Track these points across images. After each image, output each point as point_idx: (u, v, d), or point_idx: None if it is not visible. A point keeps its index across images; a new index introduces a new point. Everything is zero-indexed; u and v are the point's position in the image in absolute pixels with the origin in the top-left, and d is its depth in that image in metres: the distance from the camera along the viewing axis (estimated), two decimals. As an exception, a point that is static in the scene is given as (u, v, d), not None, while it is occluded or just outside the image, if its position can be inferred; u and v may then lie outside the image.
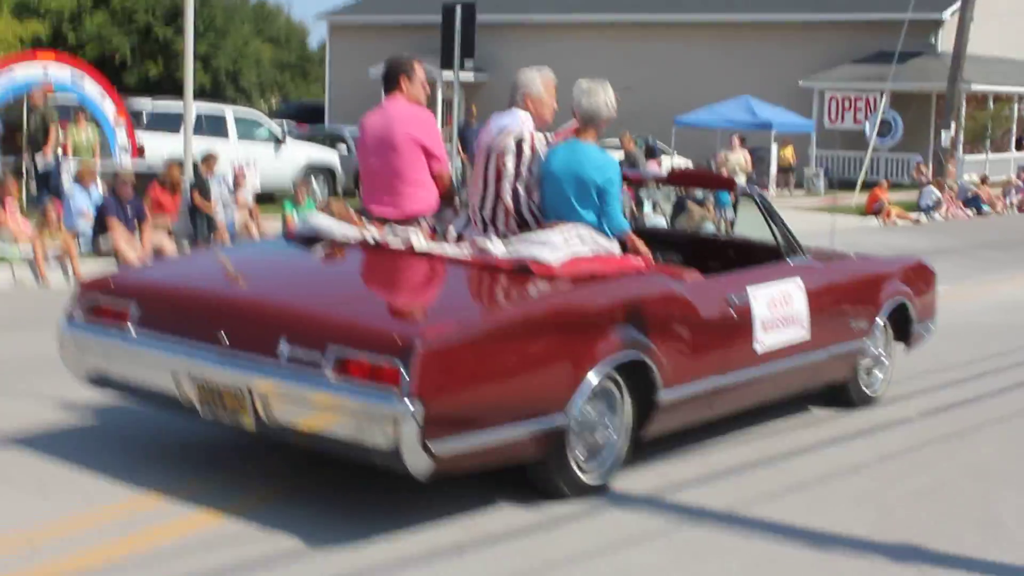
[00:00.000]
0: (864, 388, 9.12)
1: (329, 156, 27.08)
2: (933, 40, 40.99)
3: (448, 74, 46.12)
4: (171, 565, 5.53)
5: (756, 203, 8.50)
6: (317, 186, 25.43)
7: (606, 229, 7.14)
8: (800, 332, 8.02)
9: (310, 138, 29.85)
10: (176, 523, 6.06)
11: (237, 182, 18.53)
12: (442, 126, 47.89)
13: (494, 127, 7.34)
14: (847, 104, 40.55)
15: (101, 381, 6.84)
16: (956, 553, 6.20)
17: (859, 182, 29.81)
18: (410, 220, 7.44)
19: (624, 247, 7.22)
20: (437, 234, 7.41)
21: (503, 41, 46.14)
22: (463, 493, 6.58)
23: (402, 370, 5.50)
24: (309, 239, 7.43)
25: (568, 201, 7.12)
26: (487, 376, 5.84)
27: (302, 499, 6.46)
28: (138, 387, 6.61)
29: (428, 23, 48.87)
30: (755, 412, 8.29)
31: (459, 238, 7.26)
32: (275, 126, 27.18)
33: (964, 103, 37.29)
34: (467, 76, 39.35)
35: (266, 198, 22.89)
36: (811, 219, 24.51)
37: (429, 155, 7.50)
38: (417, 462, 5.59)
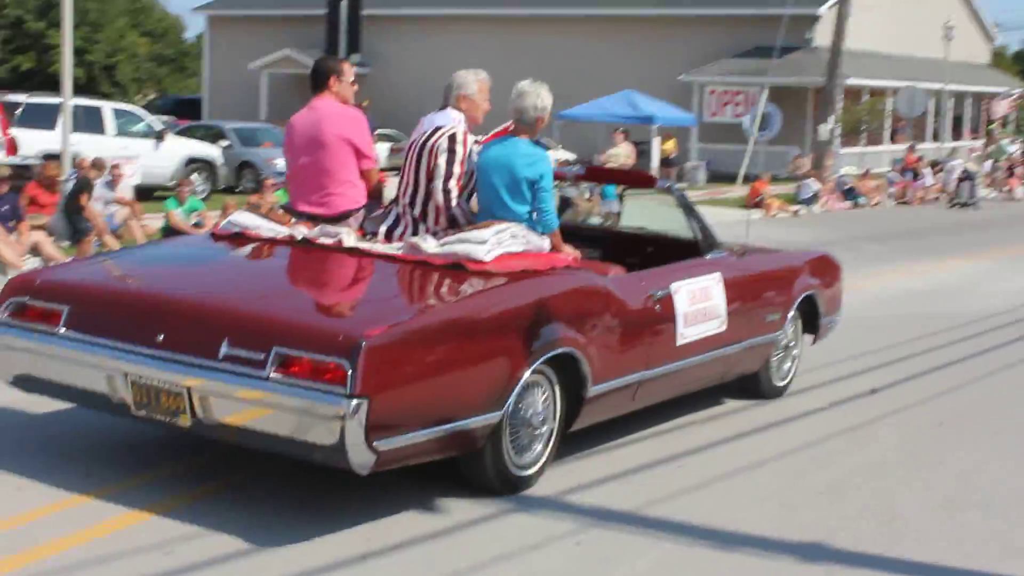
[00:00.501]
0: (775, 380, 9.30)
1: (210, 151, 26.62)
2: (809, 35, 41.62)
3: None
4: (101, 567, 5.47)
5: (675, 199, 8.60)
6: (200, 181, 24.94)
7: (537, 225, 7.18)
8: (718, 325, 8.17)
9: (190, 133, 29.30)
10: (104, 524, 5.99)
11: (115, 178, 18.07)
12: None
13: (427, 126, 7.37)
14: (727, 98, 41.01)
15: (27, 382, 6.75)
16: (861, 551, 6.20)
17: (740, 175, 30.10)
18: (340, 218, 7.44)
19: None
20: (366, 232, 7.40)
21: (386, 34, 45.85)
22: (367, 495, 6.44)
23: (348, 369, 5.57)
24: (236, 237, 7.38)
25: (500, 197, 7.14)
26: (428, 373, 5.91)
27: (229, 498, 6.44)
28: (67, 387, 6.55)
29: (308, 16, 48.45)
30: (658, 408, 8.23)
31: (388, 236, 7.29)
32: (154, 121, 26.62)
33: (841, 97, 37.82)
34: (348, 70, 39.02)
35: (146, 194, 22.42)
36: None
37: (359, 154, 7.55)
38: (360, 458, 5.67)
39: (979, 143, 48.18)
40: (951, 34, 41.18)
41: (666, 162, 35.55)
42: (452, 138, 7.25)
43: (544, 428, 6.81)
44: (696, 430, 8.34)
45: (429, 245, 6.87)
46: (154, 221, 17.92)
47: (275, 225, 7.36)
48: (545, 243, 7.17)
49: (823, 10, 41.23)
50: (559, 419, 6.90)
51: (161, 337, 6.11)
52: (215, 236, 7.58)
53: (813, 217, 28.58)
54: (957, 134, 51.60)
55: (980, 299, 15.36)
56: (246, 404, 5.85)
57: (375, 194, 7.65)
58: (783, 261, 9.49)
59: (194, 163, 25.60)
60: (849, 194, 32.04)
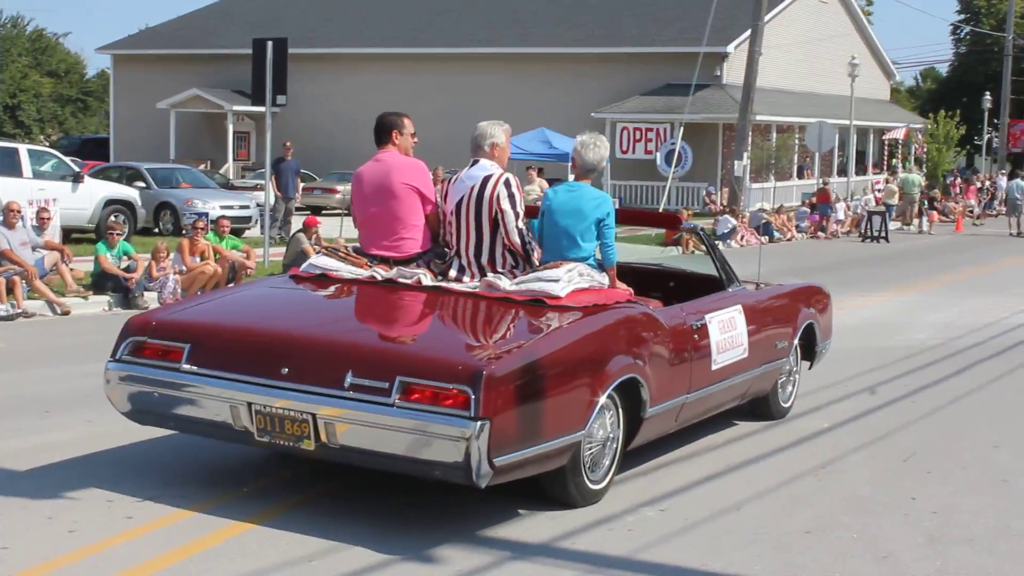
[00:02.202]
0: (781, 401, 10.11)
1: (128, 192, 26.18)
2: (719, 72, 42.13)
3: (239, 107, 45.62)
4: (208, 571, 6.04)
5: (701, 239, 9.43)
6: (122, 223, 24.50)
7: (602, 259, 7.95)
8: (742, 352, 8.94)
9: (104, 174, 28.82)
10: (210, 535, 6.60)
11: (42, 221, 17.68)
12: (234, 159, 47.20)
13: (469, 179, 7.95)
14: (638, 135, 41.36)
15: (144, 415, 7.31)
16: (860, 590, 6.18)
17: (661, 209, 30.29)
18: (410, 260, 8.04)
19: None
20: (435, 272, 7.98)
21: (298, 73, 45.46)
22: (377, 532, 6.31)
23: (471, 395, 6.22)
24: (318, 278, 8.02)
25: (571, 236, 7.90)
26: (531, 398, 6.56)
27: (319, 506, 7.20)
28: (187, 418, 7.09)
29: (215, 55, 48.14)
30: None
31: (457, 280, 7.89)
32: (71, 163, 26.14)
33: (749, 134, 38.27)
34: (259, 109, 38.68)
35: (64, 236, 21.97)
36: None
37: (425, 200, 8.13)
38: (483, 473, 6.28)
39: (882, 177, 49.00)
40: (856, 71, 41.90)
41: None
42: (508, 183, 7.89)
43: (611, 446, 7.48)
44: (672, 471, 8.30)
45: (505, 283, 7.60)
46: (82, 264, 17.53)
47: (353, 267, 8.00)
48: (605, 279, 7.90)
49: (731, 48, 41.80)
50: (621, 438, 7.56)
51: (285, 370, 6.69)
52: (297, 278, 8.17)
53: (731, 252, 28.80)
54: (862, 169, 52.49)
55: (912, 332, 15.55)
56: (372, 428, 6.44)
57: (436, 235, 8.18)
58: (789, 294, 10.24)
59: (113, 204, 25.15)
60: (765, 229, 32.41)
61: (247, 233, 27.00)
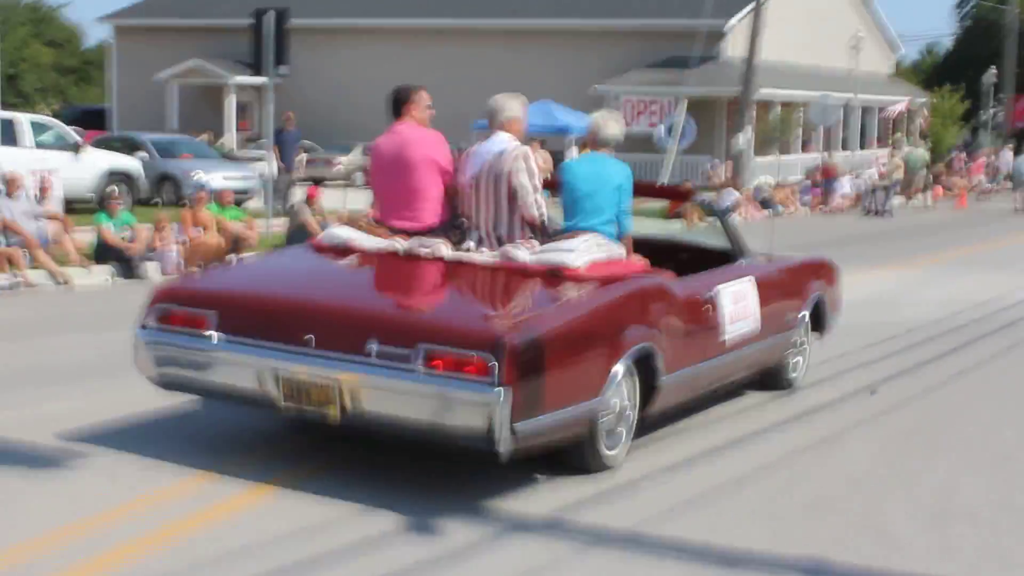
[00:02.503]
0: (789, 373, 10.25)
1: (130, 163, 26.15)
2: (721, 46, 42.01)
3: (240, 78, 45.48)
4: (238, 536, 6.20)
5: (714, 213, 9.76)
6: (123, 194, 24.46)
7: (619, 228, 8.19)
8: (752, 323, 9.09)
9: (105, 145, 28.78)
10: (233, 499, 6.77)
11: (43, 191, 17.66)
12: (236, 130, 47.12)
13: (486, 152, 8.07)
14: (641, 107, 41.24)
15: (171, 382, 7.48)
16: (861, 565, 6.18)
17: (664, 182, 30.24)
18: (427, 231, 8.15)
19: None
20: (454, 243, 8.11)
21: (298, 45, 45.23)
22: (350, 523, 6.34)
23: (495, 362, 6.39)
24: (339, 248, 8.19)
25: (593, 202, 8.13)
26: (551, 365, 6.72)
27: (334, 473, 7.35)
28: (214, 385, 7.28)
29: (216, 25, 47.96)
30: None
31: (477, 249, 8.04)
32: (72, 132, 26.10)
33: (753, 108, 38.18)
34: (261, 79, 38.59)
35: (66, 207, 21.95)
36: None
37: (443, 171, 8.22)
38: (505, 440, 6.43)
39: (884, 152, 48.92)
40: (859, 46, 41.76)
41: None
42: (525, 157, 8.00)
43: (626, 414, 7.60)
44: (668, 447, 8.29)
45: (522, 254, 7.79)
46: (83, 235, 17.54)
47: (373, 238, 8.16)
48: (621, 251, 8.10)
49: (733, 22, 41.67)
50: (636, 407, 7.71)
51: (310, 337, 6.84)
52: (318, 248, 8.35)
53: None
54: (865, 143, 52.38)
55: (915, 308, 15.55)
56: (396, 395, 6.62)
57: (455, 207, 8.29)
58: (799, 266, 10.42)
59: (114, 175, 25.11)
60: (765, 204, 32.37)
61: (248, 204, 26.99)
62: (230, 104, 46.80)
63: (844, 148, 48.25)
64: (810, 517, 6.95)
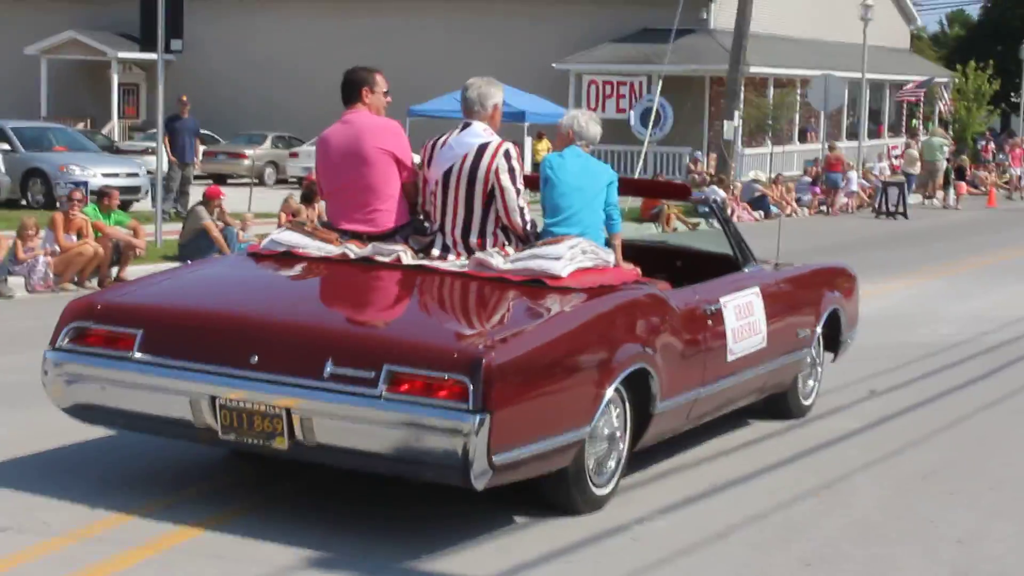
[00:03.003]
0: (801, 398, 10.46)
1: (-11, 157, 25.99)
2: (705, 16, 42.25)
3: (125, 54, 45.29)
4: None
5: (714, 212, 10.02)
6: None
7: (607, 226, 8.49)
8: (760, 341, 9.31)
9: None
10: (156, 540, 6.91)
11: None
12: (121, 117, 46.90)
13: (459, 145, 8.21)
14: (608, 90, 41.42)
15: (88, 411, 7.61)
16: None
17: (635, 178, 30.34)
18: (387, 235, 8.30)
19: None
20: (416, 249, 8.24)
21: (199, 15, 45.23)
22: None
23: (469, 385, 6.53)
24: (282, 256, 8.26)
25: (583, 204, 8.37)
26: (534, 388, 6.93)
27: (276, 510, 7.54)
28: (138, 415, 7.41)
29: (94, -5, 47.74)
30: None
31: (442, 258, 8.16)
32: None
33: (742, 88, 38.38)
34: (151, 56, 38.41)
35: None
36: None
37: (401, 166, 8.40)
38: (481, 473, 6.59)
39: (900, 141, 49.30)
40: (870, 15, 42.06)
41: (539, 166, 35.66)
42: (508, 155, 8.16)
43: (616, 446, 7.80)
44: (643, 494, 8.29)
45: (498, 261, 7.92)
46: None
47: (322, 243, 8.24)
48: (611, 258, 8.30)
49: (720, -15, 41.92)
50: (628, 437, 7.91)
51: (255, 358, 6.98)
52: (257, 256, 8.43)
53: (718, 231, 28.75)
54: (875, 131, 52.74)
55: (935, 325, 15.70)
56: (356, 423, 6.75)
57: (414, 206, 8.49)
58: (811, 274, 10.69)
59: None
60: (758, 203, 32.52)
61: (135, 206, 26.83)
62: (113, 85, 46.56)
63: (851, 137, 48.58)
64: (810, 574, 6.95)
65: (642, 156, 32.64)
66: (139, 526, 7.12)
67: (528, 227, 8.28)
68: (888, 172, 36.97)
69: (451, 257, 8.14)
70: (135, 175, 28.34)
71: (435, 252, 8.20)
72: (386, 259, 8.07)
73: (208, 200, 19.90)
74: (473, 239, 8.19)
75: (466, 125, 8.26)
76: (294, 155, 39.44)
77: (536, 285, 7.75)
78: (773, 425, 10.18)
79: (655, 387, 7.89)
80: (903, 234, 29.56)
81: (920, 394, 11.63)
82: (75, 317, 7.60)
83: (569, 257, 7.89)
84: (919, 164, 38.44)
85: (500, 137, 8.28)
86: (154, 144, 25.94)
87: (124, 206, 22.85)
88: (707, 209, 29.19)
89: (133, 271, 18.11)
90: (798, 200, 34.80)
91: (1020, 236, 29.67)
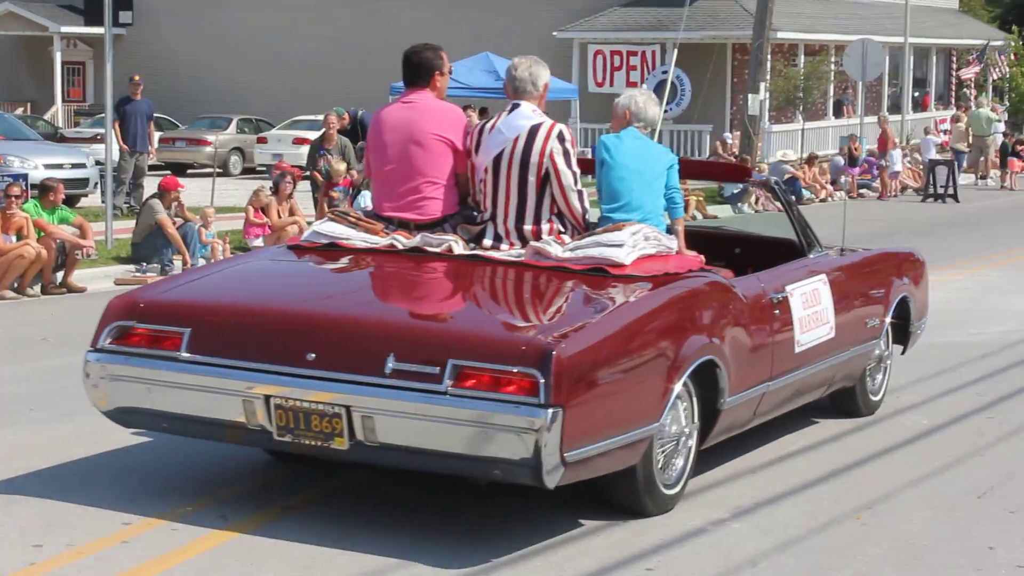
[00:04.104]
0: (870, 394, 10.98)
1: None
2: (726, -26, 42.21)
3: (69, 28, 45.33)
4: None
5: (777, 195, 10.49)
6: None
7: (668, 210, 8.95)
8: (828, 331, 9.79)
9: None
10: (188, 546, 7.44)
11: None
12: (65, 99, 46.92)
13: (509, 128, 8.60)
14: (617, 61, 41.40)
15: (131, 415, 8.12)
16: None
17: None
18: (434, 224, 8.79)
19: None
20: (465, 239, 8.71)
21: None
22: None
23: (540, 379, 6.98)
24: (326, 248, 8.76)
25: (642, 188, 8.77)
26: (605, 382, 7.41)
27: (308, 514, 8.10)
28: (186, 417, 7.89)
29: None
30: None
31: (494, 246, 8.64)
32: None
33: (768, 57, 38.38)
34: (98, 30, 38.42)
35: None
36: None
37: (457, 156, 8.83)
38: (553, 470, 7.06)
39: (949, 114, 49.29)
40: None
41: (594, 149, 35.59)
42: (562, 137, 8.58)
43: (685, 443, 8.28)
44: (653, 525, 8.26)
45: (556, 250, 8.36)
46: None
47: (367, 234, 8.73)
48: (673, 244, 8.75)
49: (742, -61, 41.90)
50: (696, 434, 8.36)
51: (312, 355, 7.43)
52: (299, 249, 8.96)
53: (745, 220, 28.83)
54: (921, 104, 52.71)
55: (990, 323, 15.77)
56: (420, 421, 7.21)
57: (465, 198, 8.95)
58: (879, 261, 11.23)
59: None
60: (788, 187, 32.51)
61: (83, 202, 26.83)
62: (55, 64, 46.58)
63: (894, 111, 48.58)
64: (849, 609, 6.99)
65: (656, 135, 32.59)
66: (170, 530, 7.68)
67: (587, 214, 8.71)
68: (935, 150, 36.89)
69: (504, 247, 8.58)
70: (82, 166, 28.37)
71: (487, 242, 8.63)
72: (436, 249, 8.51)
73: (163, 193, 19.87)
74: (527, 227, 8.61)
75: (514, 106, 8.67)
76: (262, 140, 39.25)
77: (598, 274, 8.18)
78: (806, 434, 10.16)
79: (723, 380, 8.33)
80: (953, 219, 29.61)
81: (975, 401, 11.65)
82: (117, 316, 8.04)
83: (632, 244, 8.30)
84: (968, 140, 38.42)
85: (551, 119, 8.68)
86: (103, 131, 25.91)
87: (70, 202, 22.86)
88: (734, 193, 29.49)
89: (81, 275, 18.15)
90: (833, 182, 34.79)
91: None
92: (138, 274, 19.00)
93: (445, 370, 7.16)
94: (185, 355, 7.73)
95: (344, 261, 8.68)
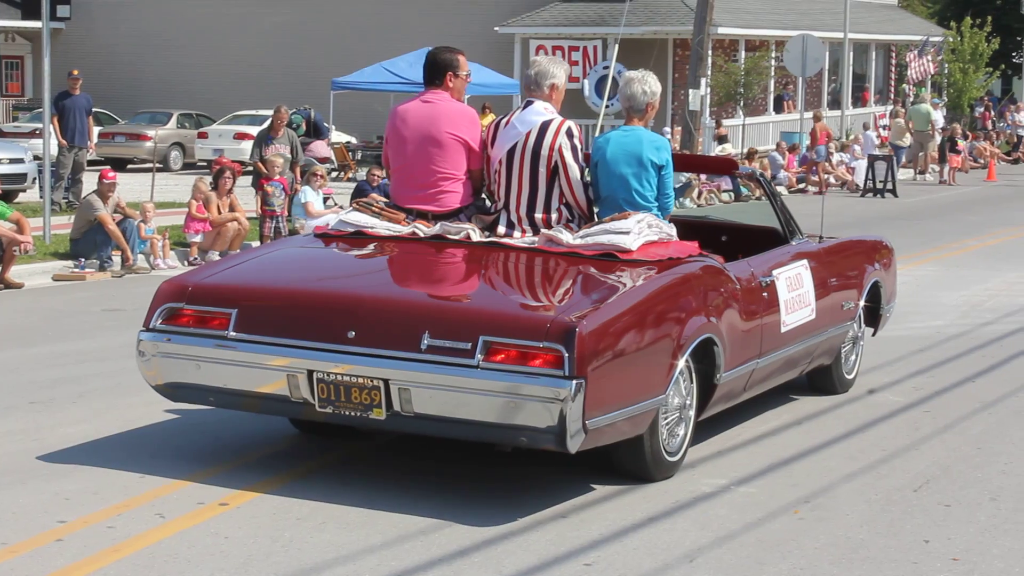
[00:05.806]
0: (844, 372, 11.76)
1: None
2: (666, -30, 42.27)
3: (5, 23, 45.00)
4: (224, 536, 7.72)
5: (762, 186, 11.25)
6: None
7: (660, 209, 9.56)
8: (809, 313, 10.57)
9: None
10: (218, 502, 8.29)
11: None
12: (2, 94, 46.58)
13: (522, 123, 9.36)
14: (559, 56, 41.36)
15: (179, 389, 8.90)
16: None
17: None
18: (451, 215, 9.53)
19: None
20: (480, 228, 9.44)
21: (89, -24, 45.08)
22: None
23: (564, 353, 7.76)
24: (353, 236, 9.51)
25: (630, 184, 9.45)
26: (621, 356, 8.19)
27: (321, 476, 9.00)
28: (232, 392, 8.69)
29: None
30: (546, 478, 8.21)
31: (507, 233, 9.42)
32: None
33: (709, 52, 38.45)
34: (34, 24, 38.13)
35: None
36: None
37: (471, 154, 9.55)
38: (575, 437, 7.85)
39: (887, 109, 49.51)
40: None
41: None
42: (570, 133, 9.35)
43: (686, 414, 9.05)
44: (599, 512, 8.36)
45: (567, 237, 9.13)
46: None
47: (390, 223, 9.49)
48: (673, 231, 9.49)
49: (683, -64, 41.97)
50: (694, 406, 9.14)
51: (352, 334, 8.20)
52: (327, 237, 9.68)
53: (685, 213, 28.86)
54: (860, 99, 52.95)
55: (928, 317, 15.85)
56: (454, 392, 7.98)
57: (479, 191, 9.75)
58: (853, 248, 12.13)
59: None
60: (730, 181, 32.59)
61: (21, 197, 26.68)
62: (-5, 59, 46.24)
63: (833, 106, 48.78)
64: (785, 603, 7.01)
65: (598, 130, 32.63)
66: (197, 490, 8.49)
67: (592, 204, 9.49)
68: (874, 145, 37.07)
69: (516, 234, 9.39)
70: (20, 161, 28.19)
71: (500, 230, 9.44)
72: (455, 237, 9.29)
73: (102, 187, 19.73)
74: (538, 215, 9.43)
75: (528, 103, 9.45)
76: (203, 135, 39.04)
77: (607, 259, 8.95)
78: (745, 428, 10.22)
79: (720, 357, 9.11)
80: (892, 213, 29.75)
81: (912, 395, 11.74)
82: (168, 299, 8.80)
83: (637, 231, 9.07)
84: (908, 135, 38.60)
85: (561, 116, 9.35)
86: (41, 125, 25.73)
87: (7, 197, 22.69)
88: (676, 187, 29.60)
89: (19, 271, 18.04)
90: (773, 178, 34.92)
91: (1022, 216, 29.83)
92: (76, 270, 18.93)
93: (477, 346, 7.91)
94: (233, 334, 8.49)
95: (372, 247, 9.44)
